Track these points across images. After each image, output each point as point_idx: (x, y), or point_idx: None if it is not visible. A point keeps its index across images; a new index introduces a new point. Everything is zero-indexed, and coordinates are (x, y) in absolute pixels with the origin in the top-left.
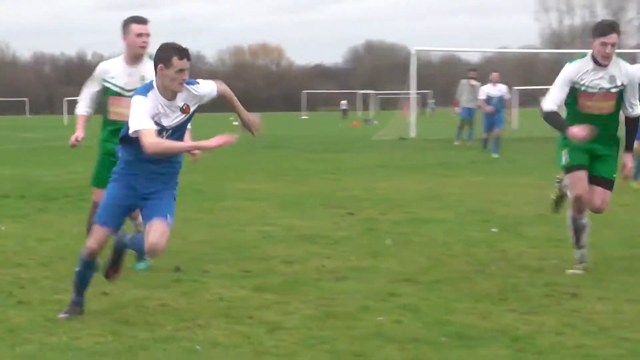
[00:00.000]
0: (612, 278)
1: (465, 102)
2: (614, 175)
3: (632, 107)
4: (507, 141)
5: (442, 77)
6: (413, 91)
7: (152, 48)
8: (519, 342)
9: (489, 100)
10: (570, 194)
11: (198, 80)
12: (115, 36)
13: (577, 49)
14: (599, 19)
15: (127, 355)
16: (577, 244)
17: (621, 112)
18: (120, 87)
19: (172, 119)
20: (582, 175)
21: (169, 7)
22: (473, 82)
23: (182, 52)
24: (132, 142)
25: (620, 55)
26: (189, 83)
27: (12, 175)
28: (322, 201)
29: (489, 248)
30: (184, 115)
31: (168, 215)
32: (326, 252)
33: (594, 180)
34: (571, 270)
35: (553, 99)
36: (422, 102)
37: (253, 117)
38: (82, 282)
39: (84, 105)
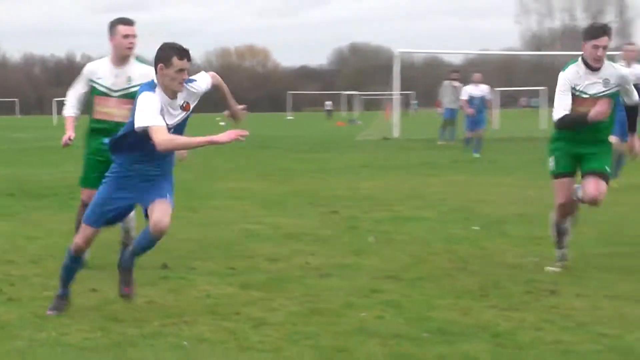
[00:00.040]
0: (590, 275)
1: (448, 103)
2: (606, 167)
3: (630, 99)
4: (489, 141)
5: (425, 78)
6: (396, 92)
7: (138, 49)
8: (499, 337)
9: (471, 100)
10: (555, 200)
11: (194, 77)
12: (104, 38)
13: (557, 51)
14: (578, 22)
15: (115, 351)
16: (558, 245)
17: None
18: (107, 88)
19: (175, 117)
20: (567, 182)
21: (158, 10)
22: (455, 83)
23: (182, 52)
24: (124, 145)
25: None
26: (186, 81)
27: (2, 175)
28: (307, 200)
29: (470, 246)
30: (184, 113)
31: (168, 195)
32: (310, 250)
33: (586, 175)
34: (550, 268)
35: (561, 106)
36: (405, 103)
37: (239, 108)
38: (68, 275)
39: (71, 106)
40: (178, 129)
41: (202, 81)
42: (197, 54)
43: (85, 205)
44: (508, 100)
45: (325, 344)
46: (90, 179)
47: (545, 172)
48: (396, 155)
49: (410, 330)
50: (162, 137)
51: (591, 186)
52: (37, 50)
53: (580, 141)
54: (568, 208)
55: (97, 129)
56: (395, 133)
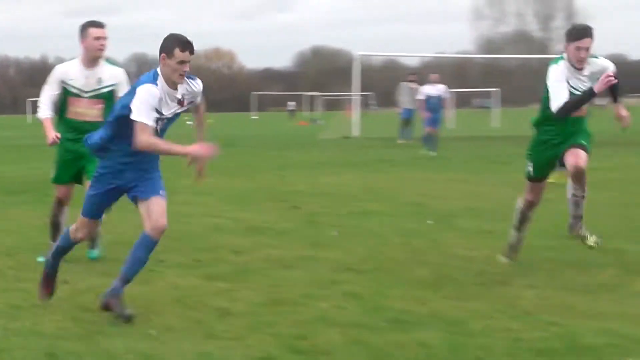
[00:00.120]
0: (538, 267)
1: (406, 104)
2: (584, 142)
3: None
4: (444, 140)
5: (384, 80)
6: (356, 93)
7: (109, 51)
8: (453, 326)
9: (428, 99)
10: (524, 194)
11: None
12: (76, 41)
13: (509, 54)
14: (529, 27)
15: (86, 340)
16: (518, 228)
17: None
18: (78, 89)
19: (170, 109)
20: (541, 185)
21: (129, 14)
22: (412, 84)
23: (185, 44)
24: (115, 142)
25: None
26: (190, 78)
27: None
28: (270, 196)
29: (424, 239)
30: (179, 107)
31: (161, 191)
32: (273, 243)
33: (566, 151)
34: (502, 258)
35: (561, 95)
36: (365, 104)
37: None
38: (61, 254)
39: (46, 108)
40: (171, 121)
41: (200, 88)
42: None
43: (59, 201)
44: (462, 101)
45: (286, 332)
46: (63, 176)
47: (495, 169)
48: (356, 153)
49: (368, 319)
50: (144, 137)
51: (572, 157)
52: (11, 53)
53: (561, 141)
54: (536, 204)
55: (70, 129)
56: (355, 132)
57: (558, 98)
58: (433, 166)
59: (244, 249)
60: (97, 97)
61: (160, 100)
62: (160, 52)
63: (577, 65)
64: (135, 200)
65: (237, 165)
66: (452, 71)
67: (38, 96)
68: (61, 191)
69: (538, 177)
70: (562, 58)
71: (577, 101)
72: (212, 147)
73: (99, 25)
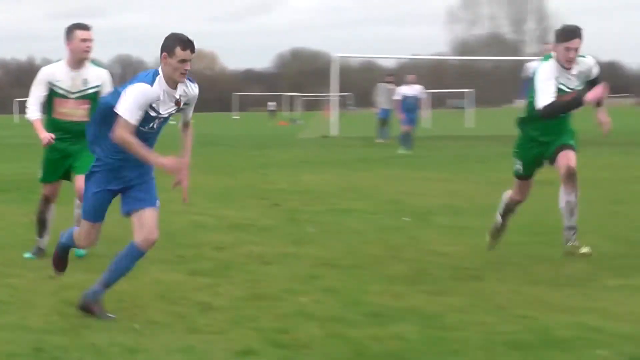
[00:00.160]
0: (511, 262)
1: (383, 104)
2: (572, 142)
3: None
4: (420, 139)
5: (361, 81)
6: (334, 94)
7: (93, 53)
8: (429, 320)
9: (405, 100)
10: (511, 194)
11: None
12: (62, 42)
13: (483, 55)
14: (502, 29)
15: (72, 334)
16: (502, 216)
17: None
18: (65, 90)
19: (168, 108)
20: (528, 184)
21: (114, 17)
22: (390, 85)
23: (186, 43)
24: (106, 138)
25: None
26: (188, 79)
27: None
28: (251, 193)
29: (401, 235)
30: (175, 107)
31: (157, 202)
32: (254, 240)
33: (555, 152)
34: (487, 236)
35: (547, 93)
36: (343, 104)
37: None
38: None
39: (36, 109)
40: (166, 120)
41: (196, 90)
42: (150, 58)
43: (46, 198)
44: (438, 101)
45: (267, 326)
46: (50, 175)
47: (470, 168)
48: (335, 152)
49: (346, 314)
50: (123, 133)
51: (563, 160)
52: None
53: (547, 140)
54: (522, 202)
55: (56, 128)
56: (334, 131)
57: (545, 96)
58: (409, 164)
59: (226, 246)
60: (83, 97)
61: (158, 99)
62: (162, 51)
63: (567, 65)
64: (128, 207)
65: (219, 164)
66: (428, 72)
67: (25, 96)
68: (48, 189)
69: (527, 175)
70: (550, 57)
71: (564, 106)
72: (182, 164)
73: (85, 27)
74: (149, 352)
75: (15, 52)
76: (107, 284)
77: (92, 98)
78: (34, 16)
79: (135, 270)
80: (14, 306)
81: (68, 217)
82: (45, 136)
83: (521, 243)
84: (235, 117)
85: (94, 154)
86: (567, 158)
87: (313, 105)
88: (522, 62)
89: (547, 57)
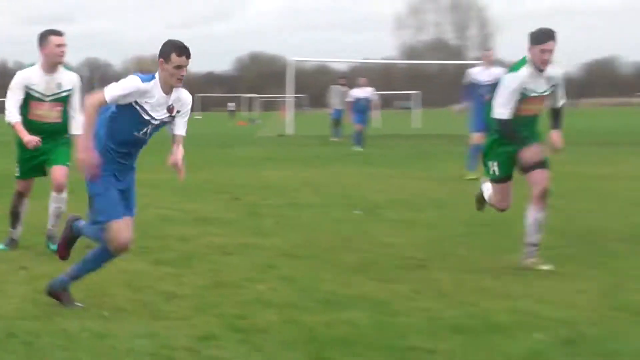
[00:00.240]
0: (453, 252)
1: (336, 105)
2: (546, 158)
3: (556, 102)
4: (371, 138)
5: (315, 83)
6: (290, 95)
7: (67, 58)
8: (378, 306)
9: (357, 101)
10: (495, 202)
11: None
12: (32, 46)
13: (428, 60)
14: (446, 35)
15: (44, 320)
16: (482, 202)
17: None
18: (40, 93)
19: (160, 115)
20: (508, 187)
21: (83, 22)
22: (342, 87)
23: (182, 50)
24: (110, 141)
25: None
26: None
27: None
28: (213, 188)
29: (352, 227)
30: (168, 114)
31: (135, 209)
32: (216, 232)
33: (526, 168)
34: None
35: (507, 107)
36: (298, 105)
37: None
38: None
39: (15, 112)
40: (159, 128)
41: (189, 98)
42: (116, 61)
43: (20, 193)
44: (386, 103)
45: (228, 312)
46: (26, 172)
47: (417, 164)
48: (291, 150)
49: (301, 301)
50: (92, 104)
51: (540, 180)
52: None
53: (521, 130)
54: (507, 209)
55: (31, 129)
56: (290, 131)
57: (504, 110)
58: (361, 161)
59: (190, 237)
60: (57, 100)
61: (148, 94)
62: (159, 57)
63: (542, 66)
64: None
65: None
66: (378, 75)
67: None
68: (22, 185)
69: (504, 176)
70: (524, 63)
71: (509, 134)
72: (93, 167)
73: (59, 33)
74: (117, 337)
75: None
76: (76, 277)
77: (64, 101)
78: (5, 21)
79: None
80: None
81: (40, 211)
82: (32, 139)
83: (463, 234)
84: (197, 117)
85: (102, 155)
86: (543, 177)
87: (270, 106)
88: (465, 66)
89: (518, 65)
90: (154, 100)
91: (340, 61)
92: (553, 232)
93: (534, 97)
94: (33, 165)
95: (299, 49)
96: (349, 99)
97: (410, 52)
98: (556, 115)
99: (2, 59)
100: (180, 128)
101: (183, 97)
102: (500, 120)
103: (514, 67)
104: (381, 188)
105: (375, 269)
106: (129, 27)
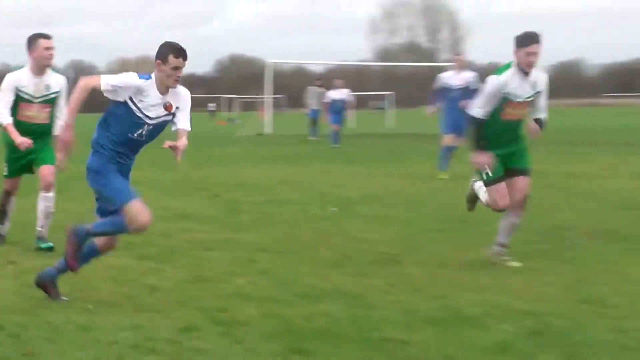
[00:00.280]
0: (425, 247)
1: (313, 105)
2: (529, 165)
3: (542, 110)
4: (347, 137)
5: (293, 84)
6: (269, 96)
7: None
8: (354, 299)
9: (333, 102)
10: (493, 203)
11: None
12: (18, 48)
13: (402, 62)
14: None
15: (31, 313)
16: (473, 202)
17: None
18: (30, 95)
19: (157, 113)
20: (503, 188)
21: (68, 25)
22: (319, 88)
23: (179, 52)
24: (107, 138)
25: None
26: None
27: None
28: (195, 186)
29: (329, 223)
30: (166, 112)
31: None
32: (197, 228)
33: (510, 172)
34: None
35: (484, 108)
36: (277, 105)
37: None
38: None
39: (7, 114)
40: (158, 128)
41: (187, 93)
42: (101, 63)
43: (7, 192)
44: (361, 103)
45: (209, 305)
46: (14, 171)
47: (391, 162)
48: (269, 149)
49: (280, 294)
50: (86, 84)
51: (519, 191)
52: None
53: (503, 142)
54: (507, 207)
55: (20, 130)
56: (268, 130)
57: (479, 111)
58: (338, 160)
59: (172, 233)
60: (45, 102)
61: (143, 91)
62: (156, 59)
63: (527, 69)
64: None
65: (164, 159)
66: (353, 77)
67: None
68: (9, 184)
69: (498, 177)
70: (509, 66)
71: (476, 134)
72: (65, 145)
73: (47, 37)
74: (101, 329)
75: None
76: (62, 270)
77: (52, 102)
78: None
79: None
80: None
81: (28, 209)
82: (24, 141)
83: (435, 230)
84: None
85: (99, 152)
86: (525, 184)
87: (249, 106)
88: (437, 68)
89: (504, 69)
90: (149, 99)
91: (316, 63)
92: (522, 228)
93: (518, 102)
94: (21, 164)
95: (277, 52)
96: (325, 100)
97: (384, 54)
98: (537, 121)
99: None
100: (182, 122)
101: (180, 92)
102: (473, 118)
103: (498, 71)
104: (356, 185)
105: (351, 263)
106: (114, 30)
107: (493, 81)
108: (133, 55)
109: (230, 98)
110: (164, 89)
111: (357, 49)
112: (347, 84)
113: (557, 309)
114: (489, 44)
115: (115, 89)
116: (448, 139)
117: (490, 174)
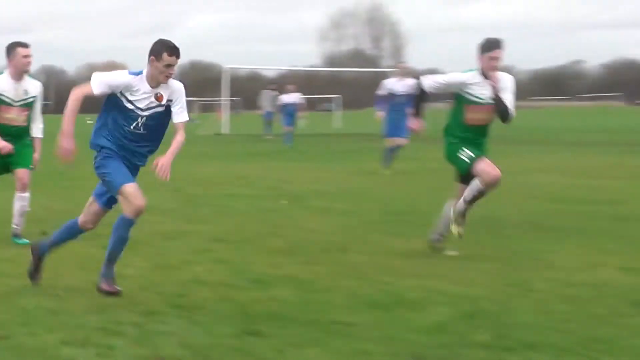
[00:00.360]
0: (371, 237)
1: (267, 107)
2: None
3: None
4: (298, 136)
5: (249, 88)
6: (226, 98)
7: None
8: (302, 285)
9: (285, 105)
10: (487, 178)
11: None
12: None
13: (348, 67)
14: (363, 46)
15: (4, 299)
16: (470, 202)
17: None
18: (10, 99)
19: (147, 103)
20: (487, 160)
21: (39, 32)
22: (273, 92)
23: (173, 50)
24: (108, 130)
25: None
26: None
27: None
28: (156, 181)
29: (280, 215)
30: (157, 103)
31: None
32: (158, 219)
33: (480, 162)
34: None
35: (435, 83)
36: (233, 107)
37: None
38: (117, 249)
39: None
40: (152, 120)
41: (180, 85)
42: (70, 68)
43: None
44: (310, 105)
45: (168, 291)
46: None
47: (338, 159)
48: (226, 147)
49: (234, 280)
50: (77, 94)
51: (490, 169)
52: None
53: (473, 139)
54: (500, 175)
55: (0, 131)
56: (225, 130)
57: (430, 82)
58: (289, 157)
59: (135, 224)
60: (24, 105)
61: (131, 87)
62: (150, 55)
63: (490, 72)
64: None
65: None
66: (303, 81)
67: None
68: None
69: (479, 154)
70: (472, 70)
71: (417, 101)
72: (67, 153)
73: (25, 45)
74: (69, 313)
75: None
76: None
77: (30, 106)
78: None
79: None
80: None
81: (3, 202)
82: (5, 146)
83: (380, 221)
84: None
85: (100, 144)
86: (493, 167)
87: (208, 108)
88: (380, 73)
89: (471, 70)
90: (139, 93)
91: (270, 68)
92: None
93: (482, 105)
94: (1, 160)
95: (234, 58)
96: (279, 103)
97: (332, 60)
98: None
99: None
100: (178, 115)
101: (173, 85)
102: (418, 85)
103: (464, 71)
104: (305, 180)
105: (300, 252)
106: (82, 37)
107: (456, 74)
108: (100, 60)
109: (190, 100)
110: (154, 84)
111: (307, 55)
112: (298, 88)
113: (489, 293)
114: (426, 51)
115: (105, 89)
116: (390, 141)
117: (472, 154)
